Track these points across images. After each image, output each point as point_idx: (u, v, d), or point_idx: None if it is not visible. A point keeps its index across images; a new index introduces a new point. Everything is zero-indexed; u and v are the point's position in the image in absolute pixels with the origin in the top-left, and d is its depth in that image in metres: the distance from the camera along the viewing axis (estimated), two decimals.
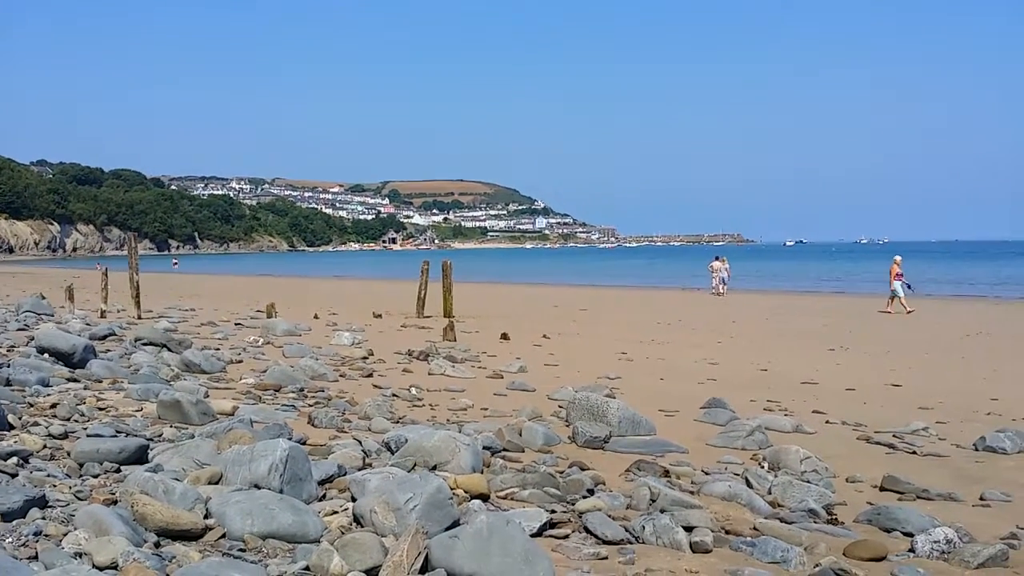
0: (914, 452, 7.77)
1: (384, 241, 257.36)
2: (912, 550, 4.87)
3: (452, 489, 5.20)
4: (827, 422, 9.16)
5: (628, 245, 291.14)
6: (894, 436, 8.32)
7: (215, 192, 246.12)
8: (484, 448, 6.68)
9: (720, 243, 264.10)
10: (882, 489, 6.40)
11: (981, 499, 6.26)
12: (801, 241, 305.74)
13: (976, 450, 7.89)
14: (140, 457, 5.59)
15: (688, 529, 4.81)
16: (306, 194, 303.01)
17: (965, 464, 7.39)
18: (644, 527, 4.78)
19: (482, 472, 6.02)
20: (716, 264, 39.41)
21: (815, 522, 5.41)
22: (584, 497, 5.47)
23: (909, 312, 25.96)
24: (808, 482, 6.25)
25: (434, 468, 5.88)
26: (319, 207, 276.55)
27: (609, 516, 5.05)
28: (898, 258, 28.59)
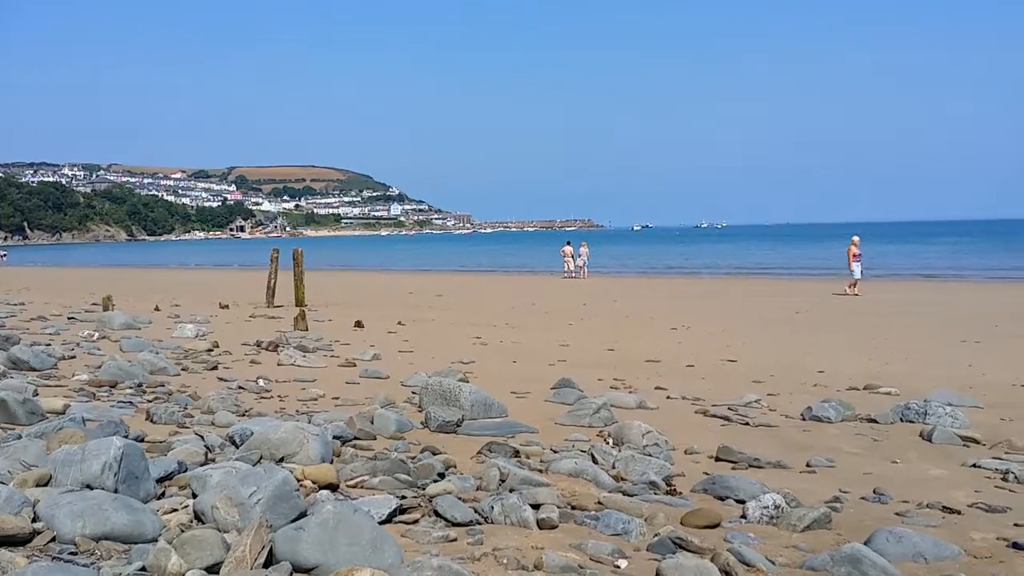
0: (747, 423, 8.23)
1: (232, 229, 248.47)
2: (744, 516, 5.16)
3: (299, 481, 5.12)
4: (668, 398, 9.57)
5: (483, 231, 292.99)
6: (729, 409, 8.79)
7: (45, 179, 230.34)
8: (334, 438, 6.60)
9: (572, 228, 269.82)
10: (717, 459, 6.75)
11: (808, 466, 6.70)
12: (647, 226, 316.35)
13: (803, 419, 8.43)
14: None
15: (536, 506, 4.92)
16: (146, 180, 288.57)
17: (793, 433, 7.89)
18: (493, 507, 4.86)
19: (332, 462, 5.95)
20: (567, 249, 40.33)
21: (655, 493, 5.65)
22: (435, 481, 5.49)
23: (848, 294, 25.98)
24: (649, 456, 6.52)
25: (281, 460, 5.76)
26: (160, 194, 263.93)
27: (459, 498, 5.09)
28: (856, 238, 27.97)
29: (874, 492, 5.85)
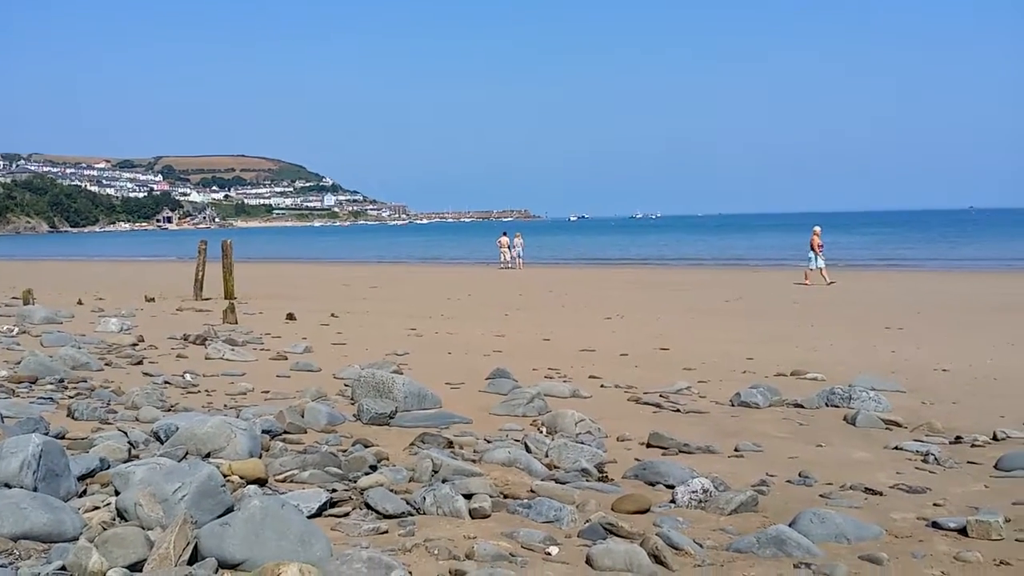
0: (678, 410, 8.35)
1: (159, 220, 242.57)
2: (673, 501, 5.23)
3: (226, 476, 5.02)
4: (602, 386, 9.65)
5: (419, 222, 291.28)
6: (661, 396, 8.90)
7: None
8: (263, 432, 6.49)
9: (509, 219, 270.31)
10: (648, 446, 6.83)
11: (736, 450, 6.82)
12: (583, 216, 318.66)
13: (732, 406, 8.59)
14: None
15: (468, 496, 4.91)
16: (68, 170, 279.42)
17: (722, 419, 8.03)
18: (425, 498, 4.83)
19: (260, 457, 5.85)
20: (504, 240, 40.39)
21: (587, 480, 5.69)
22: (367, 474, 5.44)
23: (807, 283, 26.10)
24: (582, 443, 6.56)
25: (208, 456, 5.65)
26: (84, 184, 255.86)
27: (392, 490, 5.06)
28: (817, 228, 28.15)
29: (799, 475, 5.99)
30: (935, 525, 4.80)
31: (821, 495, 5.51)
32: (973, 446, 6.91)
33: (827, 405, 8.47)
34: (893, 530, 4.74)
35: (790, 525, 4.57)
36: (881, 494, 5.54)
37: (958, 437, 7.14)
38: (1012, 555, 4.29)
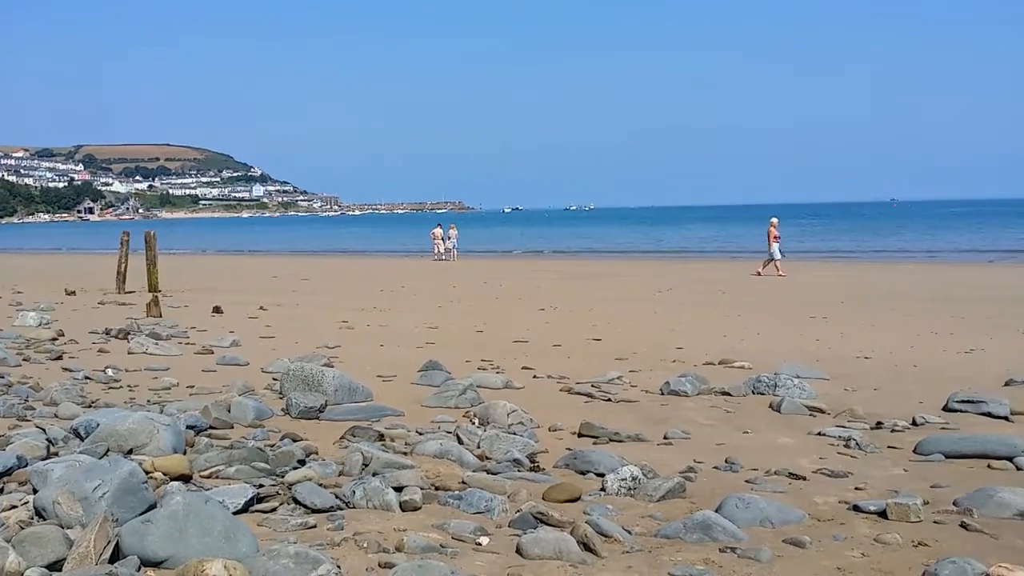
0: (609, 399, 8.43)
1: (80, 211, 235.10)
2: (603, 489, 5.28)
3: (149, 473, 4.90)
4: (535, 377, 9.68)
5: (352, 213, 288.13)
6: (592, 386, 8.97)
7: None
8: (188, 427, 6.36)
9: (443, 211, 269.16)
10: (580, 435, 6.88)
11: (665, 438, 6.91)
12: (517, 208, 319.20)
13: (662, 394, 8.70)
14: None
15: (399, 489, 4.88)
16: None
17: (652, 407, 8.13)
18: (355, 492, 4.79)
19: (185, 453, 5.72)
20: (437, 231, 40.25)
21: (519, 471, 5.70)
22: (295, 468, 5.36)
23: (762, 275, 26.25)
24: (514, 434, 6.57)
25: (130, 452, 5.51)
26: (0, 174, 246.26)
27: (321, 485, 5.00)
28: (775, 220, 28.09)
29: (726, 461, 6.10)
30: (856, 508, 4.94)
31: (747, 481, 5.62)
32: (893, 431, 7.12)
33: (753, 393, 8.64)
34: (816, 514, 4.85)
35: (716, 510, 4.65)
36: (804, 479, 5.67)
37: (879, 423, 7.35)
38: (930, 536, 4.44)
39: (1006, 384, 9.06)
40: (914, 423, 7.32)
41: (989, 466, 6.03)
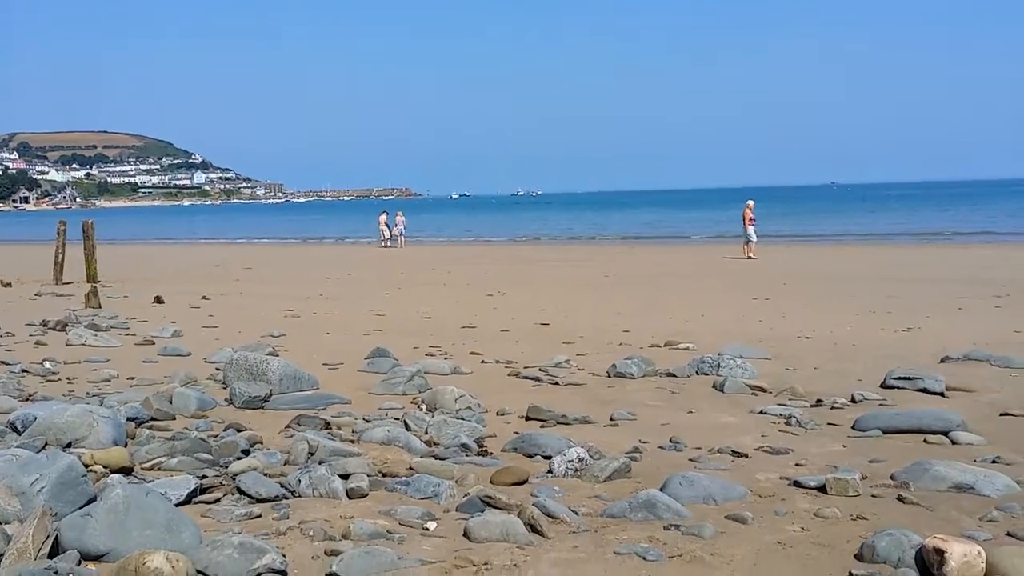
0: (557, 383, 8.48)
1: (14, 201, 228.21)
2: (551, 471, 5.31)
3: (89, 466, 4.80)
4: (482, 362, 9.70)
5: (296, 200, 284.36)
6: (540, 370, 9.01)
7: None
8: (129, 419, 6.24)
9: (390, 197, 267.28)
10: (528, 419, 6.91)
11: (611, 419, 6.98)
12: (465, 194, 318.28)
13: (609, 377, 8.77)
14: None
15: (345, 477, 4.85)
16: None
17: (599, 390, 8.20)
18: (300, 480, 4.75)
19: (126, 445, 5.61)
20: (383, 218, 39.97)
21: (467, 455, 5.70)
22: (239, 458, 5.29)
23: (743, 257, 26.34)
24: (462, 419, 6.57)
25: (69, 446, 5.39)
26: None
27: (266, 474, 4.94)
28: (750, 203, 28.39)
29: (670, 441, 6.18)
30: (796, 484, 5.04)
31: (691, 459, 5.70)
32: (832, 408, 7.29)
33: (697, 373, 8.76)
34: (757, 490, 4.95)
35: (661, 489, 4.71)
36: (747, 456, 5.77)
37: (819, 400, 7.51)
38: (867, 510, 4.55)
39: (942, 361, 9.33)
40: (853, 400, 7.49)
41: (925, 441, 6.21)
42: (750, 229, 27.59)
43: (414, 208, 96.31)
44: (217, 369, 8.74)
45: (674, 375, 8.71)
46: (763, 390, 8.03)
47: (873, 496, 4.83)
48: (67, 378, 8.46)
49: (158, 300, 16.05)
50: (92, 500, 4.16)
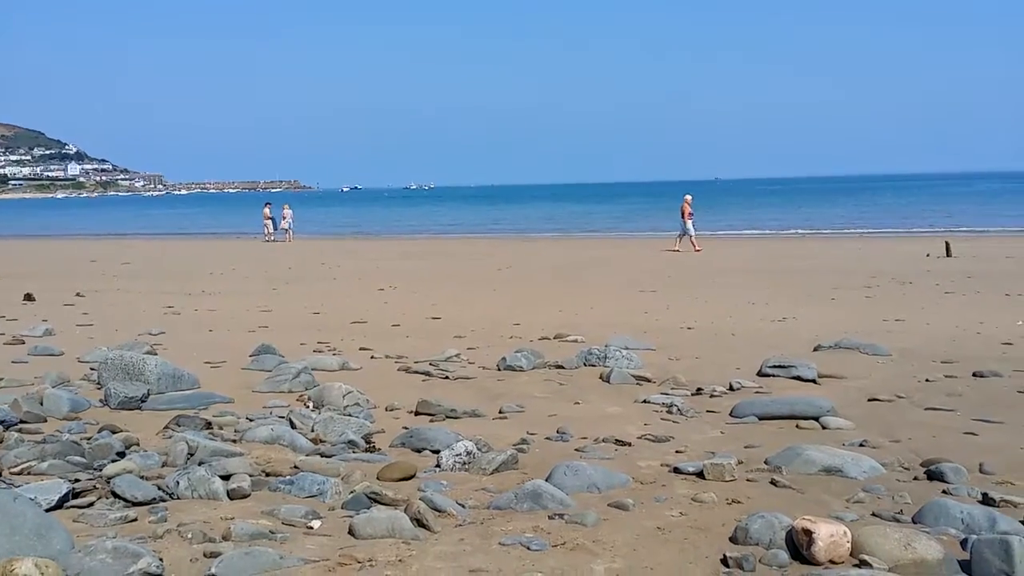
0: (447, 377, 8.48)
1: None
2: (439, 465, 5.32)
3: None
4: (372, 357, 9.61)
5: (178, 193, 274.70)
6: (430, 364, 8.99)
7: None
8: None
9: (278, 190, 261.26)
10: (417, 413, 6.89)
11: (500, 412, 7.03)
12: (356, 187, 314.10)
13: (498, 370, 8.83)
14: None
15: (226, 478, 4.73)
16: None
17: (489, 383, 8.25)
18: (179, 482, 4.60)
19: None
20: (267, 211, 39.06)
21: (354, 452, 5.65)
22: (113, 461, 5.09)
23: (697, 251, 26.51)
24: (350, 415, 6.51)
25: None
26: None
27: (142, 477, 4.78)
28: (688, 197, 28.42)
29: (557, 432, 6.28)
30: (676, 470, 5.21)
31: (576, 449, 5.81)
32: (712, 396, 7.56)
33: (585, 365, 8.91)
34: (639, 477, 5.09)
35: (546, 479, 4.79)
36: (630, 444, 5.93)
37: (699, 389, 7.78)
38: (742, 493, 4.74)
39: (815, 349, 9.79)
40: (731, 388, 7.78)
41: (798, 426, 6.51)
42: (688, 223, 28.01)
43: (303, 201, 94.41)
44: (92, 369, 8.37)
45: (563, 367, 8.84)
46: (647, 380, 8.25)
47: (748, 480, 5.03)
48: None
49: (28, 297, 15.25)
50: None
